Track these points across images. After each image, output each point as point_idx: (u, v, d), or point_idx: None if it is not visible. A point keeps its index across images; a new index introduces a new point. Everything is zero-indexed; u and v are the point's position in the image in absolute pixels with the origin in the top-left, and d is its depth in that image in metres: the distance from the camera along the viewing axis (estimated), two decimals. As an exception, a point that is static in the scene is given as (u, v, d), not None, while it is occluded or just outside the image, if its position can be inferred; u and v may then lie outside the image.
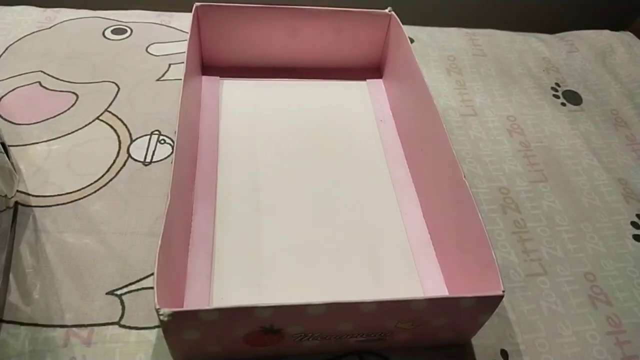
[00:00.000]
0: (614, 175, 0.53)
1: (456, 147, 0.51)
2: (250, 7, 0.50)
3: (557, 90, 0.63)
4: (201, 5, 0.49)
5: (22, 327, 0.34)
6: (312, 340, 0.32)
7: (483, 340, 0.37)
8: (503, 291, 0.30)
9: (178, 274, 0.36)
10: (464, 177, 0.37)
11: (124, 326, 0.35)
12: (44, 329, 0.35)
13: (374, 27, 0.54)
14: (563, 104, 0.61)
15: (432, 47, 0.65)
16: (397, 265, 0.41)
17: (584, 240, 0.46)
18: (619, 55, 0.69)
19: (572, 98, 0.62)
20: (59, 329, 0.35)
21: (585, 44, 0.71)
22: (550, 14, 0.87)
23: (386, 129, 0.52)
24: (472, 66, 0.64)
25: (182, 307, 0.35)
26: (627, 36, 0.73)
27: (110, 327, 0.35)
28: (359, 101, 0.55)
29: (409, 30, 0.51)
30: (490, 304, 0.31)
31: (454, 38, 0.68)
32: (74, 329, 0.35)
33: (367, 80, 0.57)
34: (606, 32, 0.73)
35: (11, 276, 0.37)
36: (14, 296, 0.36)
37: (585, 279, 0.43)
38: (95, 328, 0.35)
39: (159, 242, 0.30)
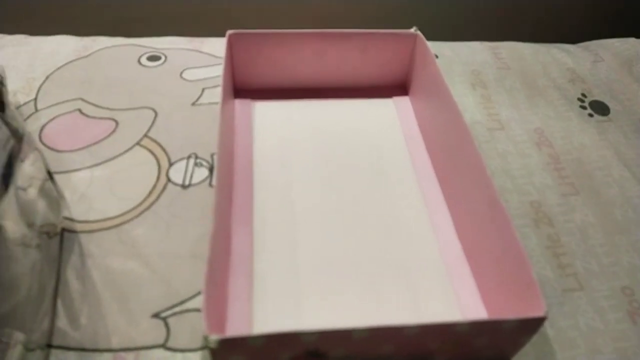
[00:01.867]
0: (646, 186, 0.52)
1: (485, 161, 0.52)
2: (279, 32, 0.52)
3: (583, 101, 0.63)
4: (234, 32, 0.51)
5: (71, 352, 0.36)
6: (355, 362, 0.33)
7: (522, 358, 0.37)
8: (546, 312, 0.31)
9: (220, 296, 0.37)
10: (497, 194, 0.38)
11: (169, 349, 0.36)
12: (92, 353, 0.36)
13: (399, 46, 0.55)
14: (590, 115, 0.61)
15: (456, 62, 0.66)
16: (432, 284, 0.41)
17: (619, 254, 0.46)
18: (646, 64, 0.69)
19: (599, 108, 0.62)
20: (106, 354, 0.36)
21: (609, 53, 0.71)
22: (572, 23, 0.87)
23: (415, 145, 0.53)
24: (496, 80, 0.64)
25: (225, 329, 0.36)
26: (653, 43, 0.73)
27: (156, 350, 0.36)
28: (387, 118, 0.56)
29: (432, 46, 0.52)
30: (532, 325, 0.31)
31: (477, 52, 0.68)
32: (120, 353, 0.36)
33: (394, 97, 0.58)
34: (631, 40, 0.73)
35: (59, 302, 0.38)
36: (62, 321, 0.37)
37: (623, 294, 0.43)
38: (142, 351, 0.36)
39: (205, 268, 0.31)
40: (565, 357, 0.38)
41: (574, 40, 0.74)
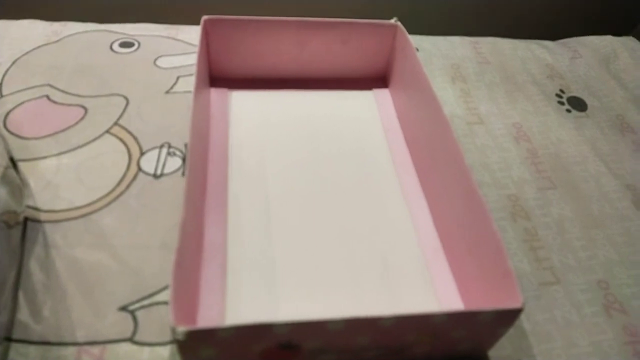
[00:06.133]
0: (622, 181, 0.53)
1: (464, 154, 0.51)
2: (258, 19, 0.50)
3: (561, 97, 0.63)
4: (209, 18, 0.49)
5: (32, 346, 0.34)
6: (329, 355, 0.32)
7: (500, 352, 0.37)
8: (523, 304, 0.30)
9: (191, 287, 0.35)
10: (476, 186, 0.37)
11: (136, 342, 0.35)
12: (55, 347, 0.34)
13: (380, 37, 0.54)
14: (568, 111, 0.61)
15: (436, 56, 0.66)
16: (410, 275, 0.40)
17: (596, 248, 0.46)
18: (623, 61, 0.70)
19: (577, 104, 0.62)
20: (70, 347, 0.34)
21: (588, 50, 0.71)
22: (551, 20, 0.88)
23: (394, 137, 0.52)
24: (476, 74, 0.64)
25: (196, 321, 0.35)
26: (630, 41, 0.74)
27: (123, 343, 0.35)
28: (366, 110, 0.55)
29: (412, 40, 0.51)
30: (509, 317, 0.31)
31: (457, 46, 0.68)
32: (85, 346, 0.34)
33: (374, 89, 0.57)
34: (609, 37, 0.74)
35: (20, 293, 0.36)
36: (23, 314, 0.35)
37: (599, 287, 0.43)
38: (108, 345, 0.35)
39: (174, 258, 0.30)
40: (541, 350, 0.38)
41: (552, 37, 0.75)
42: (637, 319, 0.41)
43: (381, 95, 0.57)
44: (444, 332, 0.31)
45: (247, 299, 0.37)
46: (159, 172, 0.45)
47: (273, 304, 0.37)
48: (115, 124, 0.49)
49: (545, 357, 0.38)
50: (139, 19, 0.63)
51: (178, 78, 0.55)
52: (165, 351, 0.35)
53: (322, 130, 0.52)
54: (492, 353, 0.37)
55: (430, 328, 0.30)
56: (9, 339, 0.34)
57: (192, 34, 0.61)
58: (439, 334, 0.31)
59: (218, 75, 0.54)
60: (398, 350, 0.33)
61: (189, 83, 0.54)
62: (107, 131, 0.48)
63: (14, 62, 0.54)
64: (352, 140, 0.51)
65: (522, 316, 0.40)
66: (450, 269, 0.41)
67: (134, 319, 0.36)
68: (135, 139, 0.47)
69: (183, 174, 0.45)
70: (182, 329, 0.27)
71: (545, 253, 0.45)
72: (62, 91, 0.51)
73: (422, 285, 0.40)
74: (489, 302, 0.34)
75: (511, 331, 0.38)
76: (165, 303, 0.37)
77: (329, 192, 0.46)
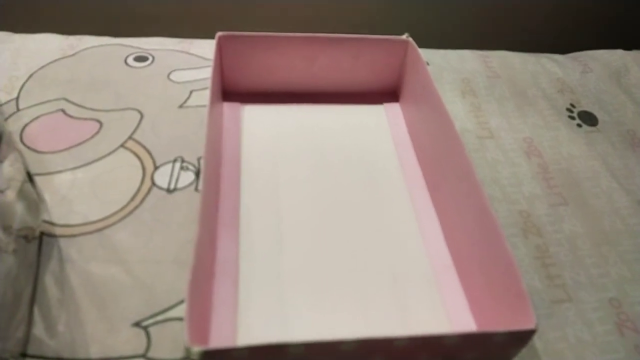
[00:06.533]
0: (634, 197, 0.53)
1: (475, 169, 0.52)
2: (270, 35, 0.51)
3: (572, 111, 0.63)
4: (223, 34, 0.50)
5: (47, 362, 0.34)
6: (341, 373, 0.32)
7: (511, 371, 0.37)
8: (536, 325, 0.30)
9: (204, 304, 0.36)
10: (488, 203, 0.37)
11: (149, 359, 0.35)
12: (69, 362, 0.35)
13: (391, 52, 0.54)
14: (579, 125, 0.61)
15: (446, 70, 0.66)
16: (420, 292, 0.40)
17: (607, 265, 0.46)
18: (634, 75, 0.70)
19: (588, 119, 0.62)
20: (84, 363, 0.35)
21: (598, 64, 0.71)
22: (561, 34, 0.88)
23: (404, 151, 0.52)
24: (486, 88, 0.64)
25: (208, 338, 0.35)
26: (640, 55, 0.73)
27: None
28: (377, 124, 0.55)
29: (423, 54, 0.51)
30: (522, 338, 0.31)
31: (467, 60, 0.68)
32: (99, 362, 0.35)
33: (384, 104, 0.58)
34: (619, 51, 0.73)
35: (35, 308, 0.37)
36: (38, 329, 0.36)
37: (611, 305, 0.43)
38: (121, 361, 0.35)
39: (189, 277, 0.30)
40: (553, 370, 0.38)
41: (562, 51, 0.75)
42: (650, 338, 0.41)
43: (392, 110, 0.57)
44: (457, 352, 0.31)
45: (259, 316, 0.38)
46: (172, 186, 0.46)
47: (284, 322, 0.37)
48: (130, 138, 0.49)
49: (557, 376, 0.37)
50: (152, 33, 0.64)
51: (191, 92, 0.55)
52: (178, 367, 0.35)
53: (333, 144, 0.52)
54: (504, 372, 0.37)
55: (443, 349, 0.30)
56: (24, 355, 0.34)
57: (204, 47, 0.62)
58: (451, 355, 0.31)
59: (230, 90, 0.55)
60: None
61: (202, 97, 0.55)
62: (122, 145, 0.49)
63: (30, 76, 0.55)
64: (362, 154, 0.51)
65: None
66: (461, 286, 0.41)
67: (147, 335, 0.36)
68: (149, 153, 0.48)
69: (196, 188, 0.46)
70: (197, 349, 0.27)
71: (557, 270, 0.45)
72: (78, 105, 0.52)
73: (432, 302, 0.40)
74: (500, 321, 0.34)
75: (523, 350, 0.38)
76: (178, 319, 0.37)
77: (340, 206, 0.46)
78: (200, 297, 0.33)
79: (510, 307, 0.34)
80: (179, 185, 0.46)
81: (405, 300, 0.40)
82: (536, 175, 0.53)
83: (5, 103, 0.52)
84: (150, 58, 0.59)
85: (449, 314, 0.39)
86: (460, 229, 0.42)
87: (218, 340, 0.35)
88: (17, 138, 0.48)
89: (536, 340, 0.39)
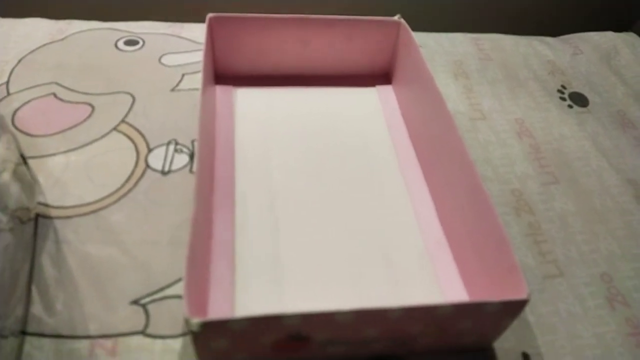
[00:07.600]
0: (623, 176, 0.53)
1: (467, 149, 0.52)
2: (262, 17, 0.51)
3: (563, 93, 0.63)
4: (214, 16, 0.50)
5: (46, 339, 0.35)
6: (338, 346, 0.33)
7: (504, 344, 0.38)
8: (528, 295, 0.31)
9: (201, 281, 0.36)
10: (480, 180, 0.38)
11: (148, 335, 0.36)
12: (69, 340, 0.35)
13: (383, 34, 0.55)
14: (570, 106, 0.62)
15: (439, 52, 0.66)
16: (414, 269, 0.41)
17: (598, 241, 0.47)
18: (624, 57, 0.70)
19: (579, 100, 0.63)
20: (83, 340, 0.35)
21: (589, 46, 0.72)
22: (552, 16, 0.88)
23: (397, 133, 0.52)
24: (478, 70, 0.64)
25: (207, 314, 0.36)
26: (630, 37, 0.74)
27: (135, 336, 0.35)
28: (370, 106, 0.55)
29: (415, 37, 0.52)
30: (515, 308, 0.32)
31: (459, 43, 0.68)
32: (98, 339, 0.35)
33: (377, 86, 0.58)
34: (610, 33, 0.74)
35: (33, 288, 0.37)
36: (36, 308, 0.36)
37: (602, 280, 0.44)
38: (120, 338, 0.35)
39: (186, 253, 0.31)
40: (545, 342, 0.39)
41: (554, 33, 0.75)
42: (639, 311, 0.41)
43: (384, 92, 0.57)
44: (450, 323, 0.32)
45: (255, 294, 0.38)
46: (166, 168, 0.46)
47: (280, 299, 0.38)
48: (122, 121, 0.49)
49: (548, 348, 0.38)
50: (142, 17, 0.64)
51: (183, 75, 0.55)
52: (177, 343, 0.35)
53: (326, 127, 0.52)
54: (496, 345, 0.37)
55: (437, 319, 0.31)
56: (23, 333, 0.35)
57: (195, 31, 0.62)
58: (445, 326, 0.32)
59: (223, 73, 0.54)
60: (404, 342, 0.33)
61: (194, 80, 0.55)
62: (115, 128, 0.48)
63: (19, 61, 0.55)
64: (355, 136, 0.52)
65: (526, 309, 0.40)
66: (454, 263, 0.41)
67: (146, 312, 0.37)
68: (142, 136, 0.48)
69: (190, 170, 0.46)
70: (196, 320, 0.27)
71: (548, 247, 0.45)
72: (69, 89, 0.52)
73: (426, 279, 0.41)
74: (493, 295, 0.35)
75: (515, 323, 0.39)
76: (176, 297, 0.38)
77: (333, 187, 0.46)
78: (198, 273, 0.34)
79: (503, 280, 0.34)
80: (174, 167, 0.46)
81: (399, 277, 0.40)
82: (528, 155, 0.54)
83: (-4, 87, 0.51)
84: (141, 42, 0.59)
85: (442, 289, 0.40)
86: (453, 207, 0.42)
87: (216, 315, 0.36)
88: (9, 122, 0.48)
89: (529, 315, 0.40)
